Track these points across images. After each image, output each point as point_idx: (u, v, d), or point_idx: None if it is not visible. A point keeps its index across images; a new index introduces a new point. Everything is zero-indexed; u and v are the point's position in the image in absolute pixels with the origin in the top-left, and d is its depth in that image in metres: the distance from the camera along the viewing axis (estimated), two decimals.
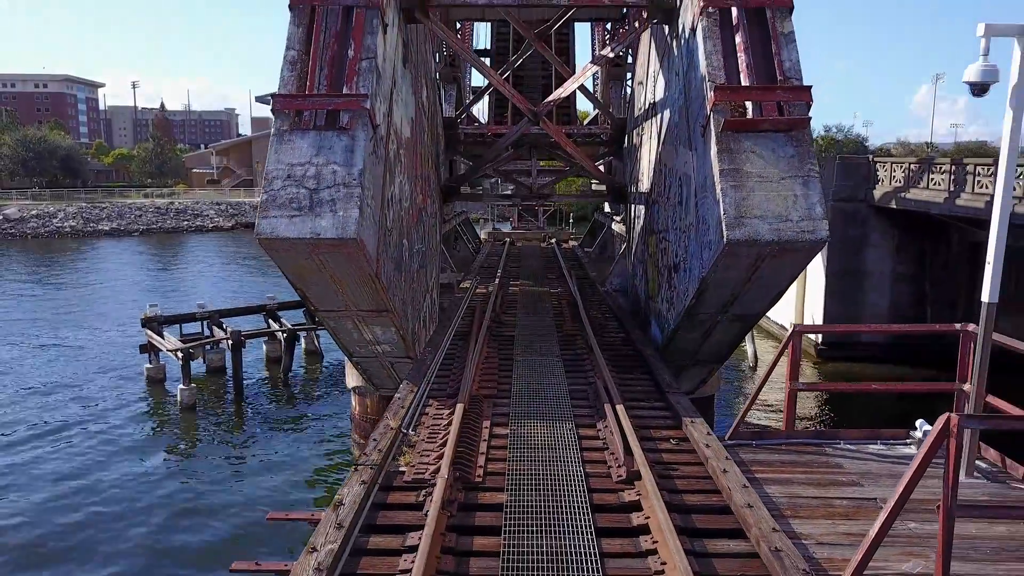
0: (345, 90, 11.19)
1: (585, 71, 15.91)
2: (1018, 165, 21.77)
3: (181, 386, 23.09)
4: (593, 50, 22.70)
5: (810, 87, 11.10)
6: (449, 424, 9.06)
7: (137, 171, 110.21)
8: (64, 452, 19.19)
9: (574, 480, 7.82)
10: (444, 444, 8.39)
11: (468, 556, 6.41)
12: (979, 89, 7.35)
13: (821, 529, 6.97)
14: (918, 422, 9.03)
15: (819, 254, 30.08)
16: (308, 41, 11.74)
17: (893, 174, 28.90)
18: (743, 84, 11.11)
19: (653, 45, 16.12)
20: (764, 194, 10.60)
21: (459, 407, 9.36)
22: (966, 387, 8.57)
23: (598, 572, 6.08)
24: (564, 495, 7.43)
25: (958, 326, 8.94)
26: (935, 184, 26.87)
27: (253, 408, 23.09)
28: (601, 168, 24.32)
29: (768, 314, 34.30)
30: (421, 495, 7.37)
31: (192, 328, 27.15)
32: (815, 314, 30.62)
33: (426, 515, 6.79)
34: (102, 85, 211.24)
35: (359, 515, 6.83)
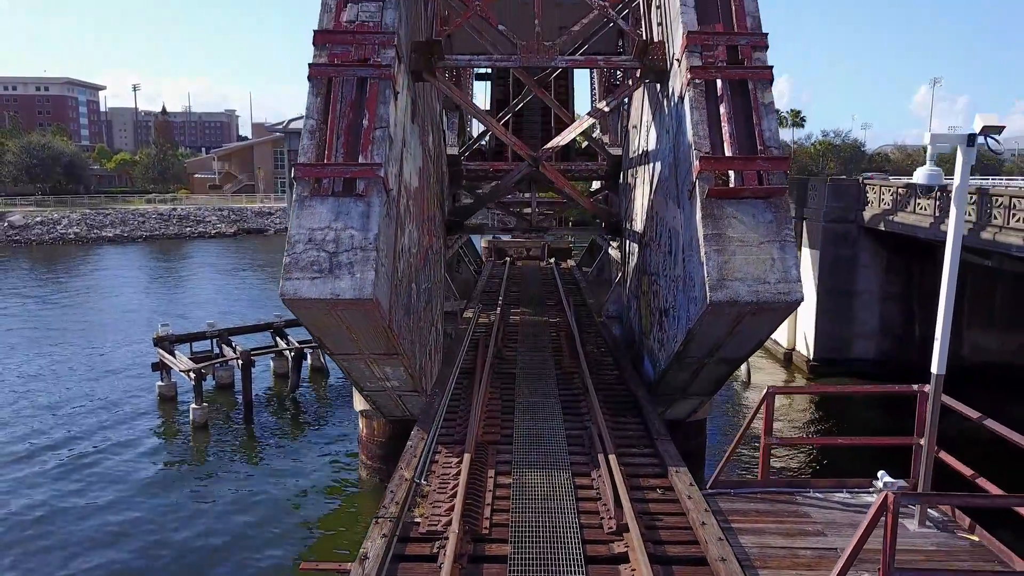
0: (361, 159, 12.19)
1: (582, 123, 16.92)
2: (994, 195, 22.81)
3: (194, 405, 23.94)
4: (592, 91, 23.58)
5: (787, 158, 12.12)
6: (458, 475, 10.07)
7: (140, 177, 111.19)
8: (81, 469, 19.95)
9: (570, 531, 8.85)
10: (454, 496, 9.40)
11: None
12: (926, 189, 8.36)
13: None
14: (880, 473, 10.03)
15: (811, 273, 31.22)
16: (326, 110, 12.74)
17: (882, 197, 29.78)
18: (727, 154, 12.12)
19: (646, 96, 17.13)
20: (744, 257, 11.61)
21: (466, 457, 10.38)
22: (922, 441, 9.59)
23: None
24: (561, 547, 8.44)
25: (915, 387, 9.95)
26: (921, 208, 27.80)
27: (263, 426, 23.91)
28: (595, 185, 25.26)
29: None
30: (435, 547, 8.38)
31: (201, 345, 28.07)
32: (807, 332, 31.55)
33: (440, 567, 7.80)
34: (103, 88, 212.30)
35: (381, 569, 7.83)
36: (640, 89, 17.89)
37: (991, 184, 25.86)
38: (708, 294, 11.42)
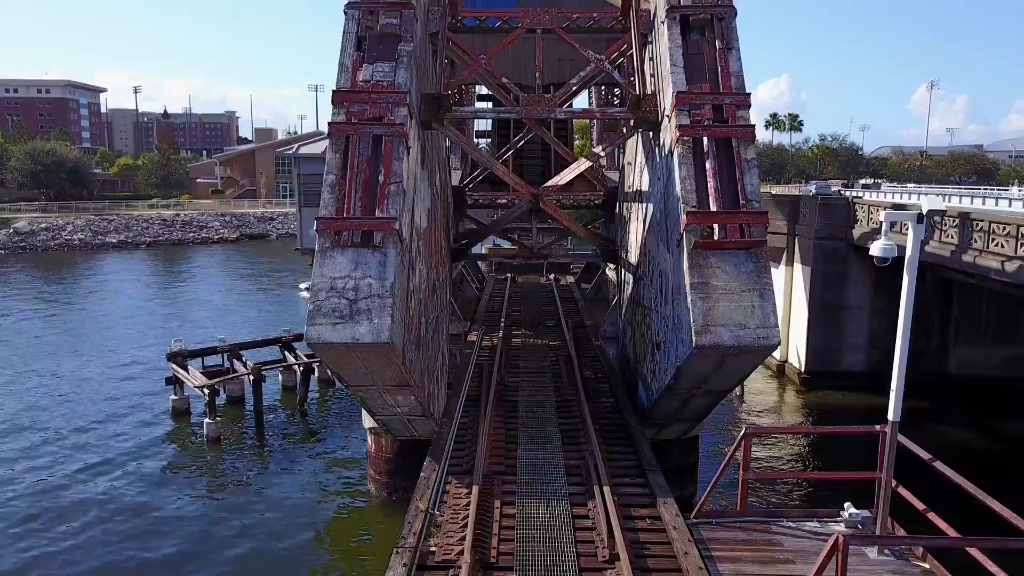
0: (378, 212, 13.34)
1: (580, 164, 18.11)
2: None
3: (207, 420, 25.01)
4: (591, 132, 24.56)
5: (766, 212, 13.31)
6: (468, 505, 11.25)
7: (143, 182, 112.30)
8: (99, 480, 21.10)
9: (568, 559, 10.03)
10: (465, 526, 10.58)
11: None
12: (882, 260, 9.55)
13: None
14: (846, 504, 11.24)
15: (803, 287, 32.33)
16: (344, 166, 13.89)
17: (871, 216, 30.81)
18: (712, 208, 13.28)
19: (640, 137, 18.29)
20: (727, 304, 12.79)
21: (475, 489, 11.55)
22: (883, 475, 10.77)
23: None
24: (561, 574, 9.61)
25: (877, 427, 11.11)
26: (907, 229, 28.82)
27: (274, 441, 24.89)
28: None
29: None
30: (450, 574, 9.55)
31: (213, 359, 29.16)
32: (799, 345, 32.67)
33: None
34: (103, 90, 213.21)
35: None
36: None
37: (972, 208, 26.91)
38: (694, 338, 12.59)
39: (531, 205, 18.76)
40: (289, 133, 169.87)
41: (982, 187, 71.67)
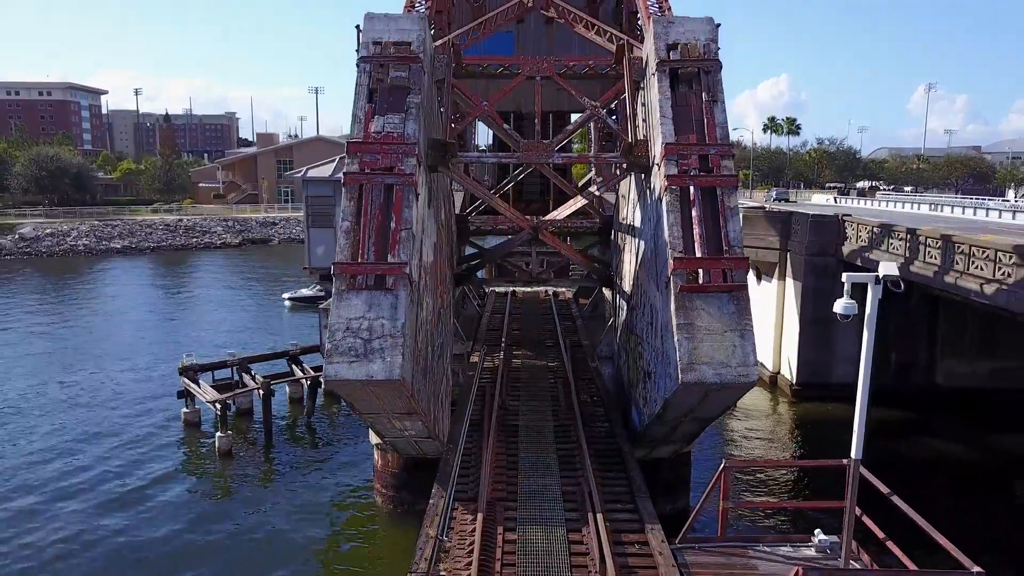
0: (390, 258, 14.47)
1: (576, 202, 19.27)
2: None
3: (219, 434, 26.09)
4: (590, 138, 25.53)
5: (747, 259, 14.47)
6: (473, 531, 12.40)
7: (146, 187, 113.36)
8: (116, 489, 22.21)
9: None
10: (471, 551, 11.72)
11: None
12: (843, 317, 10.68)
13: None
14: (816, 531, 12.40)
15: (794, 302, 33.40)
16: (358, 212, 15.00)
17: (859, 234, 31.84)
18: (697, 255, 14.43)
19: (633, 177, 19.41)
20: (711, 344, 13.94)
21: (480, 516, 12.70)
22: (848, 505, 11.91)
23: None
24: None
25: (845, 461, 12.24)
26: (893, 248, 29.93)
27: (282, 453, 25.91)
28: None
29: None
30: None
31: (222, 372, 30.26)
32: (791, 357, 33.74)
33: None
34: (104, 92, 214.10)
35: None
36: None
37: (954, 232, 28.01)
38: (680, 376, 13.75)
39: (531, 236, 19.88)
40: (290, 136, 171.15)
41: (974, 198, 72.81)
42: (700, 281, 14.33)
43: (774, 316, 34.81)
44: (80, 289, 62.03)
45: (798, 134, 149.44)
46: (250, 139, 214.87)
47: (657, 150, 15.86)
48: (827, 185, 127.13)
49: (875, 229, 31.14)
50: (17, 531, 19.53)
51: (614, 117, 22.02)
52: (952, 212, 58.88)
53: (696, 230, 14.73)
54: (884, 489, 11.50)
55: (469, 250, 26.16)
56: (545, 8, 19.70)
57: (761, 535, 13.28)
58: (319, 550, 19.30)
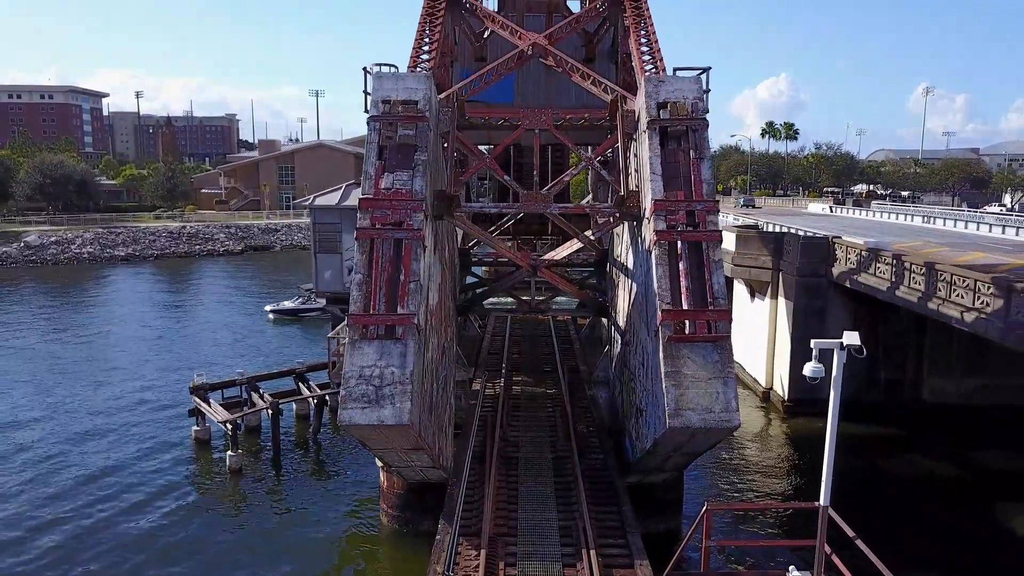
0: (399, 309, 15.62)
1: (573, 244, 20.46)
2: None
3: (230, 453, 27.16)
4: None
5: (729, 310, 15.62)
6: (477, 567, 13.57)
7: (149, 194, 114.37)
8: (129, 505, 23.21)
9: None
10: None
11: None
12: (811, 380, 11.85)
13: None
14: (791, 567, 13.55)
15: (786, 320, 34.43)
16: (370, 265, 16.14)
17: (848, 256, 32.85)
18: (684, 307, 15.58)
19: (626, 222, 20.56)
20: (696, 391, 15.11)
21: (483, 553, 13.88)
22: (818, 545, 13.08)
23: None
24: None
25: (816, 504, 13.41)
26: (880, 272, 30.95)
27: (291, 471, 26.97)
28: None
29: (745, 368, 38.21)
30: None
31: (231, 391, 31.38)
32: (783, 374, 34.81)
33: None
34: (106, 95, 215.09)
35: None
36: None
37: (938, 260, 29.13)
38: (668, 420, 14.93)
39: (530, 274, 21.04)
40: (290, 139, 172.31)
41: (968, 210, 73.88)
42: (687, 331, 15.49)
43: (767, 333, 35.87)
44: (88, 299, 63.05)
45: (796, 139, 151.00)
46: (250, 141, 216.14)
47: (647, 204, 17.02)
48: (824, 190, 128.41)
49: (863, 252, 32.09)
50: (26, 545, 20.48)
51: (609, 162, 23.15)
52: (944, 225, 59.95)
53: (683, 283, 15.88)
54: (850, 532, 12.64)
55: (471, 279, 27.34)
56: (544, 57, 20.83)
57: (740, 571, 14.43)
58: (325, 567, 20.32)
